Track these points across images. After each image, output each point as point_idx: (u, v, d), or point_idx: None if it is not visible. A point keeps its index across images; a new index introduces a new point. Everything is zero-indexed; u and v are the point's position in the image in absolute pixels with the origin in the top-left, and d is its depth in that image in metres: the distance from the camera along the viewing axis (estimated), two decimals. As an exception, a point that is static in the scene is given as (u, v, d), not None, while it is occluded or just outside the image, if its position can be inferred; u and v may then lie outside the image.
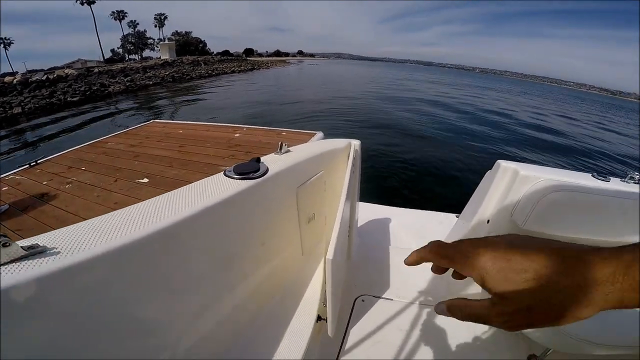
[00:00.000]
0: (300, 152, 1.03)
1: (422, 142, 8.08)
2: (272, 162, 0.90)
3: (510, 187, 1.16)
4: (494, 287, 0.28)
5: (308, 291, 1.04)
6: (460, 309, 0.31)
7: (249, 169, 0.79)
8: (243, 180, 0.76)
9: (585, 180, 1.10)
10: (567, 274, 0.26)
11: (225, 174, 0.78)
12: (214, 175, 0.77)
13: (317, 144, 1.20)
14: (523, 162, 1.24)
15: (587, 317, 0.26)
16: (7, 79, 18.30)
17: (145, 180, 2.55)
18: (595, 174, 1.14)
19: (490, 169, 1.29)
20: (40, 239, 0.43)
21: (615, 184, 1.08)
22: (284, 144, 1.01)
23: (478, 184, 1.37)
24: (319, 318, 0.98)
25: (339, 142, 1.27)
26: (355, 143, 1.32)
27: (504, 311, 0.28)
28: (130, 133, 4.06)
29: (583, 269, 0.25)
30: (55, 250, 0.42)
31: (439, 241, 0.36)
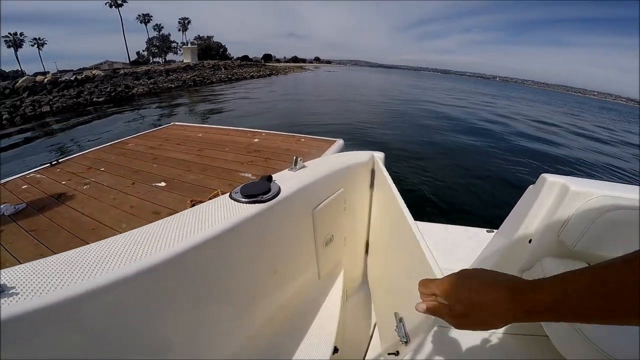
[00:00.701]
0: (317, 168, 0.94)
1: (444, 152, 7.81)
2: (286, 180, 0.82)
3: (558, 204, 1.05)
4: (449, 300, 0.44)
5: (325, 319, 0.95)
6: (431, 309, 0.45)
7: (259, 190, 0.72)
8: (251, 205, 0.68)
9: None
10: (482, 295, 0.40)
11: (231, 197, 0.70)
12: (220, 197, 0.71)
13: (336, 158, 1.11)
14: (567, 174, 1.12)
15: (499, 326, 0.38)
16: (38, 78, 19.24)
17: (163, 184, 2.48)
18: None
19: (534, 183, 1.17)
20: (4, 275, 0.39)
21: None
22: (299, 159, 0.91)
23: (516, 198, 1.23)
24: (335, 350, 0.87)
25: (360, 155, 1.16)
26: (378, 155, 1.20)
27: (452, 313, 0.42)
28: (151, 135, 4.07)
29: (494, 293, 0.39)
30: (13, 291, 0.37)
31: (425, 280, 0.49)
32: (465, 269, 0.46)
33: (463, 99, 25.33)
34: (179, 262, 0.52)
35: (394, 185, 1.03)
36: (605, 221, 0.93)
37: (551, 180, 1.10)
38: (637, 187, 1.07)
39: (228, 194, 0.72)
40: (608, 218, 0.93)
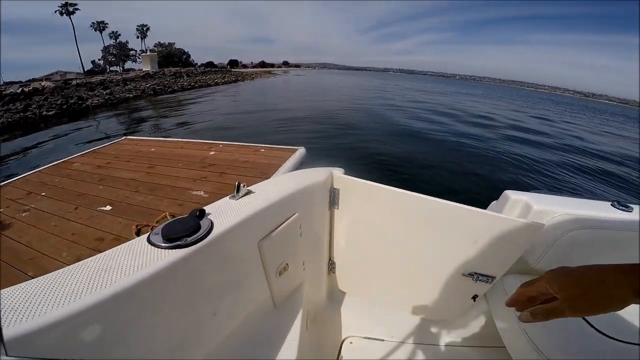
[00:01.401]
0: (265, 194, 0.84)
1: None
2: (224, 212, 0.73)
3: None
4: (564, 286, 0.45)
5: (284, 349, 0.87)
6: (542, 311, 0.46)
7: (183, 231, 0.61)
8: (173, 250, 0.59)
9: (605, 211, 1.00)
10: (597, 271, 0.42)
11: (149, 240, 0.60)
12: (136, 240, 0.61)
13: (289, 179, 1.03)
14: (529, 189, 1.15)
15: (618, 309, 0.40)
16: (-24, 92, 17.51)
17: (108, 207, 2.43)
18: (615, 203, 1.04)
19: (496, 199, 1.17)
20: None
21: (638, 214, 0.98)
22: (242, 185, 0.82)
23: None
24: None
25: (317, 174, 1.08)
26: (337, 172, 1.12)
27: (568, 296, 0.43)
28: (100, 152, 3.91)
29: (608, 270, 0.41)
30: None
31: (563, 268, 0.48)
32: (562, 266, 0.48)
33: (419, 98, 26.56)
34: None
35: (362, 197, 1.03)
36: (567, 240, 0.92)
37: (514, 198, 1.08)
38: (599, 201, 1.08)
39: (146, 235, 0.62)
40: (570, 237, 0.91)
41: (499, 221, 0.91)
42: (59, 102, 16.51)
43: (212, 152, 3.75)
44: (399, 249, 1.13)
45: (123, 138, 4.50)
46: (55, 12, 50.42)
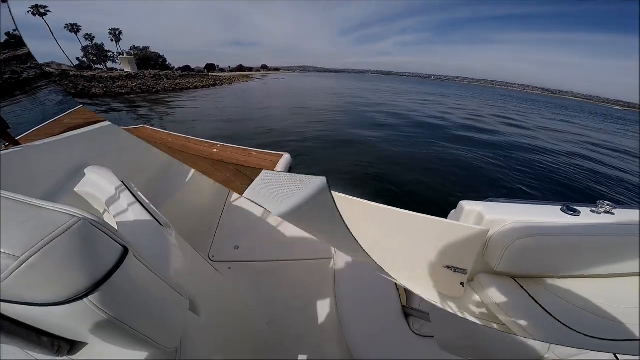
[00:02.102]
0: None
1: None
2: None
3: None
4: None
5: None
6: None
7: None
8: None
9: (554, 216, 1.05)
10: None
11: None
12: None
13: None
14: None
15: None
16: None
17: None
18: (564, 207, 1.08)
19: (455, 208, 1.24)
20: None
21: (586, 217, 1.03)
22: None
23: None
24: None
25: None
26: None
27: None
28: (78, 112, 4.27)
29: None
30: None
31: None
32: None
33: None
34: None
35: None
36: (518, 247, 0.96)
37: (468, 209, 1.13)
38: (549, 206, 1.11)
39: None
40: (520, 244, 0.96)
41: (455, 227, 1.03)
42: (70, 85, 17.05)
43: (215, 150, 4.02)
44: (378, 250, 1.21)
45: (141, 126, 4.81)
46: (28, 12, 49.19)
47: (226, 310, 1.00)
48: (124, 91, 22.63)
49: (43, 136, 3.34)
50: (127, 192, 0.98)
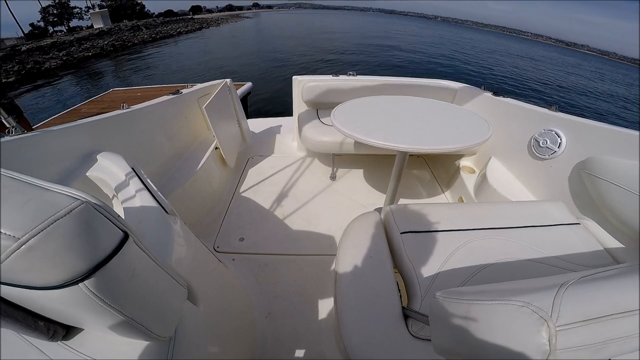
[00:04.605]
0: None
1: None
2: None
3: None
4: None
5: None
6: None
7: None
8: None
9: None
10: None
11: None
12: None
13: None
14: None
15: None
16: None
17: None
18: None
19: None
20: None
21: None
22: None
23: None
24: None
25: None
26: None
27: None
28: (98, 100, 4.19)
29: None
30: None
31: None
32: None
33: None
34: None
35: None
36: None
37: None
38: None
39: None
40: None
41: None
42: (15, 68, 15.54)
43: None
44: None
45: (111, 90, 4.70)
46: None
47: (226, 301, 1.03)
48: (91, 53, 19.72)
49: (60, 124, 3.57)
50: (136, 178, 1.03)
